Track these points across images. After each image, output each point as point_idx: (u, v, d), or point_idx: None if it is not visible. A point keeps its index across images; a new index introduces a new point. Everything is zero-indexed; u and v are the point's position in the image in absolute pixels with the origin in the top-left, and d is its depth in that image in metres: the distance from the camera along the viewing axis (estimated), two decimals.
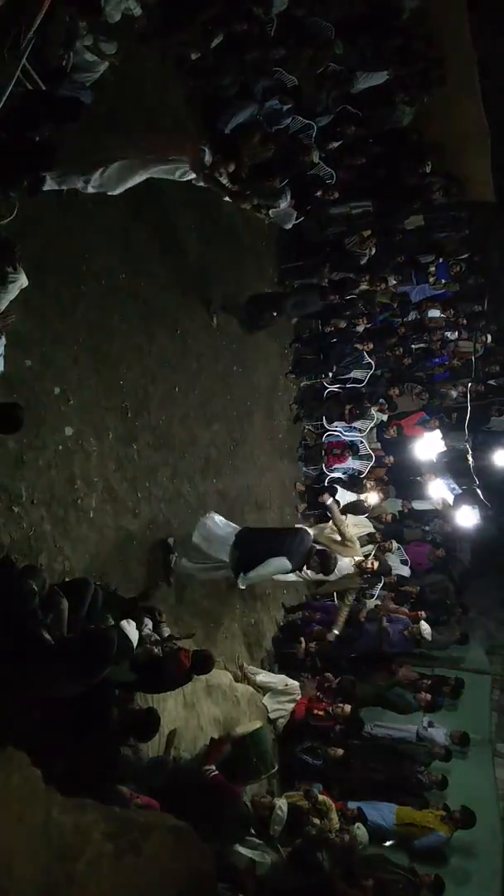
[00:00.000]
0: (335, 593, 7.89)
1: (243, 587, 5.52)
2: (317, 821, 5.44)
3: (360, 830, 5.63)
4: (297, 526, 6.11)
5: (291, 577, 6.13)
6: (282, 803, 5.32)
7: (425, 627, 7.48)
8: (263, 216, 8.24)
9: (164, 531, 5.68)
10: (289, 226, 8.49)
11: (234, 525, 5.65)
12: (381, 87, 8.43)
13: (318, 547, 5.76)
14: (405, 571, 9.03)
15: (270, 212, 8.21)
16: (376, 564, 7.22)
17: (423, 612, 8.04)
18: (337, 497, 8.43)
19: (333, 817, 5.58)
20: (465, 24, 8.49)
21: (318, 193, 8.18)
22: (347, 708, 6.56)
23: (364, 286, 8.93)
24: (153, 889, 3.11)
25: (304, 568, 5.71)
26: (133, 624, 3.89)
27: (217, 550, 5.40)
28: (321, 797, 5.70)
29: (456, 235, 10.13)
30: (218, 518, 5.64)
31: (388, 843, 6.27)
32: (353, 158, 8.55)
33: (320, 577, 6.25)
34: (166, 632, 4.87)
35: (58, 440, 4.56)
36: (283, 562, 5.32)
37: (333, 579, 6.78)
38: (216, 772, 4.58)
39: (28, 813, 2.73)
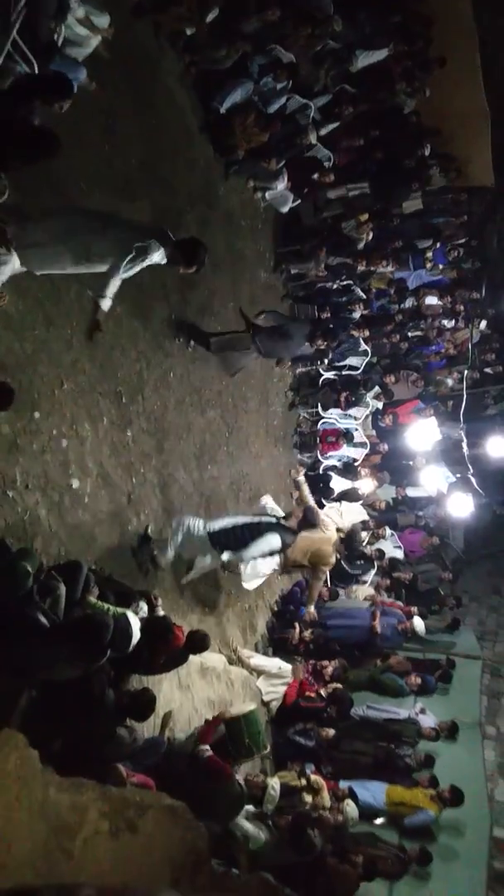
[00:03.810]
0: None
1: (245, 567, 5.42)
2: (308, 797, 5.53)
3: (350, 807, 5.72)
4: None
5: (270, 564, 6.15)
6: (274, 782, 5.40)
7: (418, 623, 7.54)
8: (259, 199, 8.21)
9: (158, 516, 5.70)
10: (285, 209, 8.44)
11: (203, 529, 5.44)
12: (382, 66, 8.33)
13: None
14: (399, 554, 9.11)
15: (267, 194, 8.17)
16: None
17: (415, 609, 8.11)
18: (332, 485, 8.49)
19: (325, 796, 5.68)
20: (466, 5, 8.41)
21: (316, 176, 8.12)
22: (339, 686, 6.69)
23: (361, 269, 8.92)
24: (149, 866, 3.17)
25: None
26: (137, 620, 3.89)
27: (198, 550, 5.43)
28: (313, 777, 5.79)
29: (454, 220, 10.09)
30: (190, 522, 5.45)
31: (378, 822, 6.40)
32: (352, 140, 8.48)
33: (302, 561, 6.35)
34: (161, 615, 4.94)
35: (52, 425, 4.56)
36: (275, 538, 5.35)
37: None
38: (210, 752, 4.65)
39: (25, 792, 2.78)
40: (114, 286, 4.01)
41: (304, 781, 5.68)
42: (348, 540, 7.36)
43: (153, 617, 4.53)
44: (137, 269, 4.03)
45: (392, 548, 8.97)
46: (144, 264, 4.04)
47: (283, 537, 5.48)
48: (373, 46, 8.03)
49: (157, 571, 5.50)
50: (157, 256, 4.07)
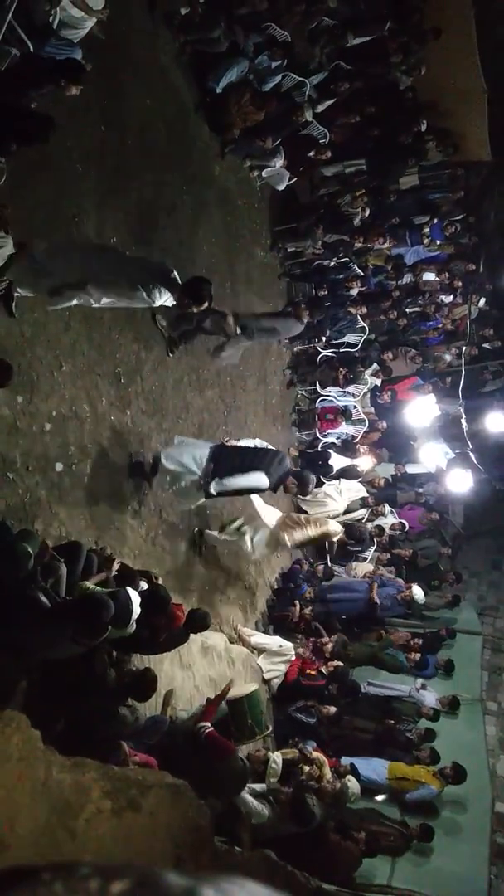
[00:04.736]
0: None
1: (215, 493, 5.12)
2: (307, 768, 5.58)
3: (352, 783, 5.77)
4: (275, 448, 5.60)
5: (269, 523, 6.07)
6: (276, 756, 5.47)
7: (417, 592, 7.59)
8: (255, 177, 8.09)
9: (157, 496, 5.68)
10: (281, 187, 8.33)
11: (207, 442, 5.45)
12: (377, 41, 8.17)
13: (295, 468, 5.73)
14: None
15: (263, 173, 8.05)
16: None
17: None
18: (330, 462, 8.47)
19: (326, 772, 5.73)
20: None
21: (311, 153, 8.00)
22: (340, 664, 6.74)
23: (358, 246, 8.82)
24: (151, 844, 3.20)
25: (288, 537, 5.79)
26: (137, 595, 3.90)
27: (188, 460, 5.15)
28: (315, 754, 5.84)
29: (451, 196, 9.97)
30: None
31: (380, 798, 6.46)
32: (347, 117, 8.35)
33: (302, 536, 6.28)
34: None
35: (51, 407, 4.54)
36: (260, 477, 5.10)
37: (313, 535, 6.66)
38: (210, 728, 4.67)
39: (28, 772, 2.79)
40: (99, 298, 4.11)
41: (305, 757, 5.74)
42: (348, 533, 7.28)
43: (151, 590, 4.51)
44: (137, 305, 4.20)
45: (391, 520, 8.96)
46: (152, 304, 4.14)
47: (270, 476, 5.16)
48: (368, 33, 7.89)
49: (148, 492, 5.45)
50: (164, 300, 4.13)
